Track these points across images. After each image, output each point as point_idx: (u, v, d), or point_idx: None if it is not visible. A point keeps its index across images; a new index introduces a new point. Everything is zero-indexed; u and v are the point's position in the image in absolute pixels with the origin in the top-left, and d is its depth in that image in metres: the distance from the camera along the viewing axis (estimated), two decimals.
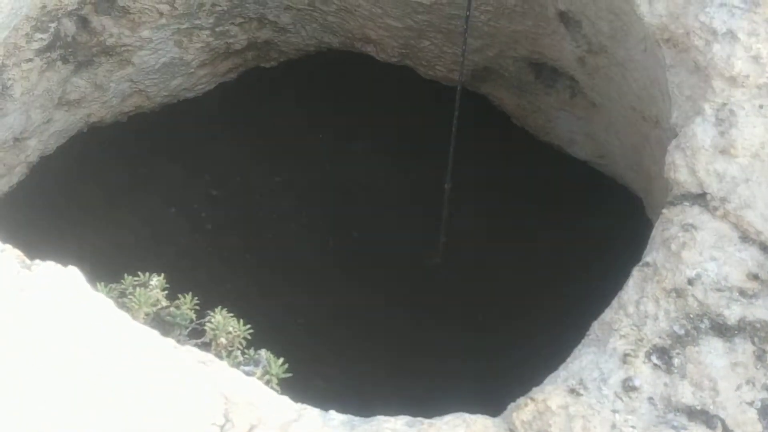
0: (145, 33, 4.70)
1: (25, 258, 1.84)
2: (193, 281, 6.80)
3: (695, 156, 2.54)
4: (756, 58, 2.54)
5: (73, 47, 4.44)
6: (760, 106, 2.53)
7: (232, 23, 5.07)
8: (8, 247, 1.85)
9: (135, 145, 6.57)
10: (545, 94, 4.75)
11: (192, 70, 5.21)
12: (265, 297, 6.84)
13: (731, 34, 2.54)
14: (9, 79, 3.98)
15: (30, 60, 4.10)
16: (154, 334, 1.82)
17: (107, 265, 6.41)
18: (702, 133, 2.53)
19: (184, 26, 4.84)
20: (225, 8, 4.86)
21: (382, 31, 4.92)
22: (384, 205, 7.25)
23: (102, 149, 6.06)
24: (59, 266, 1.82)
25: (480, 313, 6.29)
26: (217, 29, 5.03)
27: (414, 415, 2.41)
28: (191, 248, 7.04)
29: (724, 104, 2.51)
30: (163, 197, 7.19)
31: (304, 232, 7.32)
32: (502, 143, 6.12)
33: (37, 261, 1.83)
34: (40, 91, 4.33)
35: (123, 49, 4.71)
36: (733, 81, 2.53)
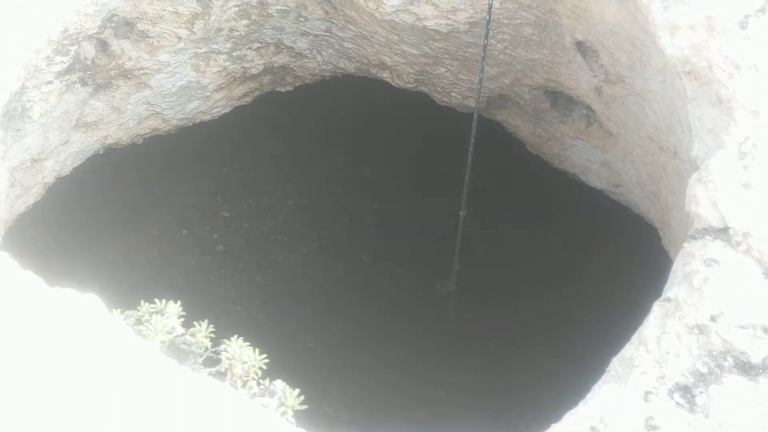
0: (163, 57, 4.73)
1: (44, 284, 1.83)
2: (204, 302, 6.82)
3: (717, 190, 2.51)
4: None
5: (92, 70, 4.47)
6: None
7: (249, 48, 5.11)
8: (29, 273, 1.84)
9: (149, 167, 6.63)
10: (561, 123, 4.74)
11: (208, 93, 5.23)
12: (274, 319, 6.83)
13: (754, 68, 2.52)
14: (29, 100, 4.01)
15: (50, 82, 4.12)
16: (172, 364, 1.80)
17: (120, 285, 6.44)
18: (724, 166, 2.50)
19: (202, 50, 4.88)
20: (242, 33, 4.89)
21: (398, 58, 4.94)
22: (396, 232, 7.25)
23: (117, 170, 6.10)
24: (78, 293, 1.81)
25: (491, 341, 6.24)
26: (234, 54, 5.06)
27: None
28: (202, 269, 7.05)
29: (747, 137, 2.48)
30: (176, 218, 7.23)
31: (315, 255, 7.31)
32: (516, 171, 6.11)
33: (57, 288, 1.82)
34: (59, 113, 4.35)
35: (141, 72, 4.74)
36: (756, 114, 2.51)
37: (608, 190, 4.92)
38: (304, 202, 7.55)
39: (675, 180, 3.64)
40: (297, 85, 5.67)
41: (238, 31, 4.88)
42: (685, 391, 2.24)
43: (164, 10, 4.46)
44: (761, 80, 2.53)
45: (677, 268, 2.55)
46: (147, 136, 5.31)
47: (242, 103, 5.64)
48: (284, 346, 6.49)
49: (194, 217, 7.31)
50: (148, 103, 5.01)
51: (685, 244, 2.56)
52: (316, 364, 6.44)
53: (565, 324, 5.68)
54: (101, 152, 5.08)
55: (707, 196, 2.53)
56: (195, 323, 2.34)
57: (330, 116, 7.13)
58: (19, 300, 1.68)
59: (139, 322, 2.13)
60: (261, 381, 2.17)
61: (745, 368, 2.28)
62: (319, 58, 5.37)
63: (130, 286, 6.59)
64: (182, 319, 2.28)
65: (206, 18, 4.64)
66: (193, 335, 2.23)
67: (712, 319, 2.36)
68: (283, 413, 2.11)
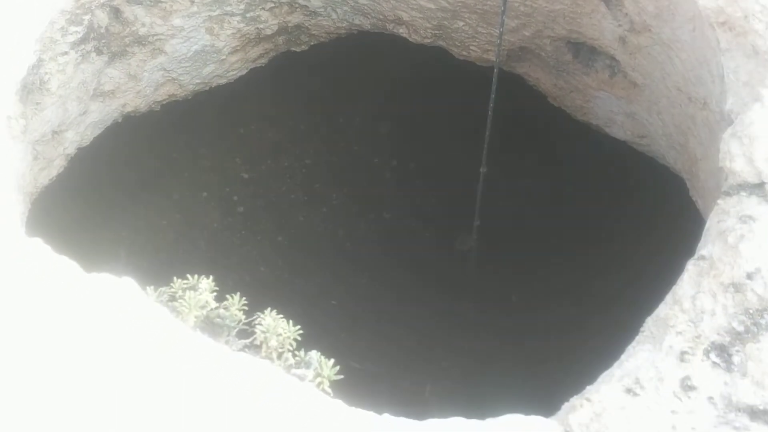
0: (177, 21, 4.66)
1: (80, 270, 1.84)
2: (228, 264, 6.88)
3: (753, 144, 2.45)
4: None
5: (106, 38, 4.43)
6: None
7: (263, 8, 5.02)
8: (64, 258, 1.85)
9: (168, 133, 6.61)
10: (583, 74, 4.64)
11: (224, 57, 5.17)
12: (299, 279, 6.88)
13: None
14: (46, 73, 3.98)
15: (65, 53, 4.09)
16: (207, 341, 1.81)
17: (144, 249, 6.49)
18: (761, 120, 2.43)
19: (215, 13, 4.80)
20: None
21: (414, 12, 4.83)
22: (416, 188, 7.21)
23: (136, 138, 6.09)
24: (114, 277, 1.82)
25: (515, 296, 6.24)
26: (247, 15, 4.97)
27: (460, 405, 2.38)
28: (224, 231, 7.10)
29: None
30: (196, 182, 7.25)
31: (335, 214, 7.32)
32: (538, 123, 6.02)
33: (93, 273, 1.83)
34: (76, 84, 4.32)
35: (155, 38, 4.68)
36: None
37: (633, 141, 4.84)
38: (323, 161, 7.51)
39: (704, 131, 3.56)
40: (312, 44, 5.59)
41: None
42: (722, 350, 2.23)
43: None
44: None
45: (711, 226, 2.51)
46: (164, 102, 5.28)
47: (258, 65, 5.57)
48: (310, 305, 6.56)
49: (213, 179, 7.32)
50: (164, 70, 4.97)
51: (719, 201, 2.51)
52: (341, 320, 6.50)
53: (591, 277, 5.66)
54: (120, 121, 5.07)
55: (742, 152, 2.47)
56: (227, 296, 2.35)
57: (346, 74, 7.04)
58: (57, 286, 1.70)
59: (173, 298, 2.14)
60: (296, 352, 2.18)
61: None
62: (334, 16, 5.27)
63: (153, 250, 6.66)
64: (215, 293, 2.29)
65: None
66: (226, 308, 2.25)
67: (749, 276, 2.32)
68: (320, 384, 2.13)
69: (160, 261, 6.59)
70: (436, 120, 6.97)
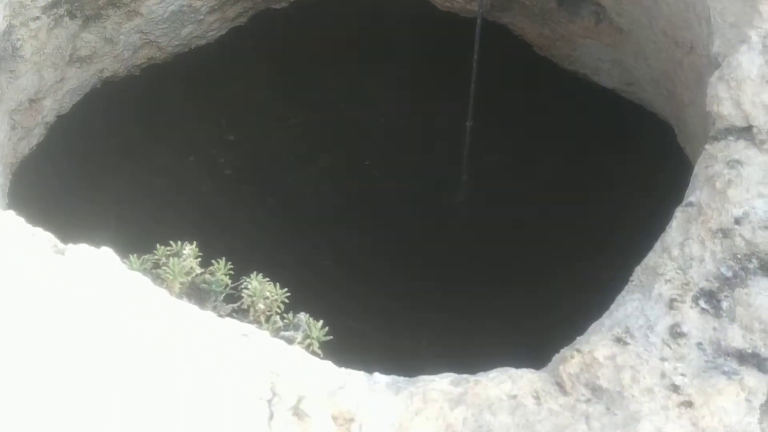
0: None
1: (57, 242, 1.80)
2: (218, 227, 6.83)
3: (740, 87, 2.41)
4: None
5: (79, 1, 4.31)
6: None
7: None
8: (39, 230, 1.81)
9: (149, 96, 6.49)
10: (569, 22, 4.56)
11: (201, 16, 5.05)
12: (290, 240, 6.85)
13: None
14: (18, 39, 3.88)
15: (37, 18, 3.98)
16: (194, 309, 1.79)
17: (132, 215, 6.42)
18: (748, 62, 2.39)
19: None
20: None
21: None
22: (404, 144, 7.14)
23: (117, 103, 5.98)
24: (92, 248, 1.78)
25: (506, 249, 6.24)
26: None
27: (451, 362, 2.38)
28: (212, 194, 7.03)
29: None
30: (181, 145, 7.15)
31: (323, 173, 7.26)
32: (525, 74, 5.93)
33: (70, 245, 1.79)
34: (51, 50, 4.22)
35: None
36: None
37: (620, 88, 4.79)
38: (308, 120, 7.41)
39: (691, 76, 3.51)
40: (291, 0, 5.46)
41: None
42: (710, 296, 2.23)
43: None
44: None
45: (699, 171, 2.49)
46: (144, 66, 5.18)
47: (237, 24, 5.46)
48: (302, 265, 6.54)
49: (199, 142, 7.22)
50: (141, 32, 4.86)
51: (707, 146, 2.49)
52: (335, 280, 6.50)
53: (580, 225, 5.65)
54: (99, 86, 4.97)
55: (729, 95, 2.43)
56: (213, 261, 2.32)
57: (327, 31, 6.89)
58: (32, 260, 1.66)
59: (156, 265, 2.11)
60: (284, 315, 2.17)
61: None
62: None
63: (140, 217, 6.60)
64: (199, 259, 2.27)
65: None
66: (212, 274, 2.22)
67: (736, 221, 2.31)
68: (309, 345, 2.12)
69: (147, 228, 6.50)
70: (421, 74, 6.87)
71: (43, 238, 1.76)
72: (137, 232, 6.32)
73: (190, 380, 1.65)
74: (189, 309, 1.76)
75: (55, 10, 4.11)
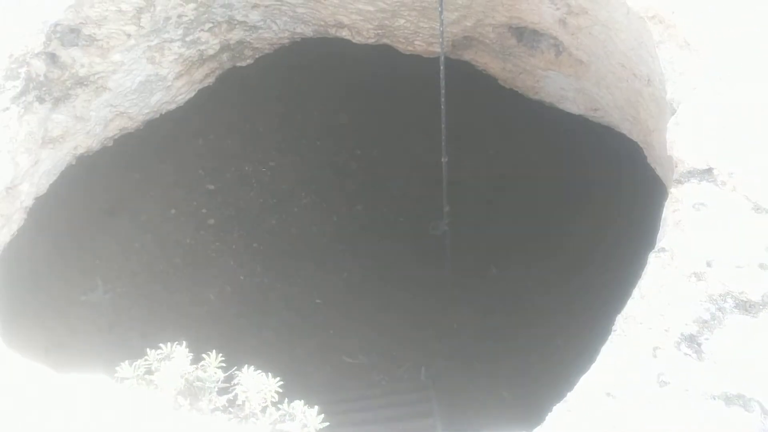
0: (116, 57, 4.58)
1: (51, 373, 1.83)
2: (206, 277, 6.84)
3: (696, 132, 2.49)
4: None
5: (46, 85, 4.33)
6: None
7: (202, 30, 4.94)
8: (34, 365, 1.83)
9: (125, 161, 6.52)
10: (530, 56, 4.66)
11: (169, 83, 5.09)
12: (279, 282, 6.88)
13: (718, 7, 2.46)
14: None
15: (7, 108, 4.00)
16: (186, 416, 1.82)
17: (120, 275, 6.39)
18: (700, 108, 2.47)
19: (154, 42, 4.72)
20: (192, 17, 4.73)
21: (354, 16, 4.80)
22: (383, 176, 7.22)
23: (94, 173, 6.01)
24: (85, 377, 1.81)
25: (493, 268, 6.34)
26: (187, 39, 4.90)
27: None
28: (198, 245, 7.05)
29: (720, 78, 2.44)
30: (162, 199, 7.17)
31: (306, 212, 7.31)
32: (492, 106, 6.04)
33: (65, 375, 1.82)
34: (23, 136, 4.23)
35: (97, 77, 4.59)
36: (725, 54, 2.46)
37: (587, 114, 4.88)
38: (286, 161, 7.47)
39: (652, 105, 3.60)
40: (257, 57, 5.52)
41: (186, 15, 4.71)
42: (691, 340, 2.29)
43: (107, 10, 4.29)
44: (728, 19, 2.48)
45: (667, 216, 2.56)
46: (116, 137, 5.19)
47: (205, 85, 5.49)
48: (292, 307, 6.58)
49: (179, 195, 7.25)
50: (111, 105, 4.88)
51: (672, 190, 2.56)
52: (328, 318, 6.53)
53: (562, 242, 5.76)
54: (74, 163, 4.98)
55: (687, 140, 2.51)
56: (204, 355, 2.35)
57: (296, 78, 6.99)
58: (29, 393, 1.69)
59: (149, 371, 2.14)
60: (279, 405, 2.20)
61: (746, 307, 2.32)
62: (274, 27, 5.21)
63: (130, 273, 6.59)
64: (192, 355, 2.29)
65: (152, 10, 4.47)
66: (204, 369, 2.25)
67: (708, 264, 2.38)
68: None
69: (138, 284, 6.54)
70: (393, 110, 6.97)
71: (39, 371, 1.79)
72: (130, 290, 6.34)
73: None
74: (181, 416, 1.78)
75: (24, 98, 4.13)
